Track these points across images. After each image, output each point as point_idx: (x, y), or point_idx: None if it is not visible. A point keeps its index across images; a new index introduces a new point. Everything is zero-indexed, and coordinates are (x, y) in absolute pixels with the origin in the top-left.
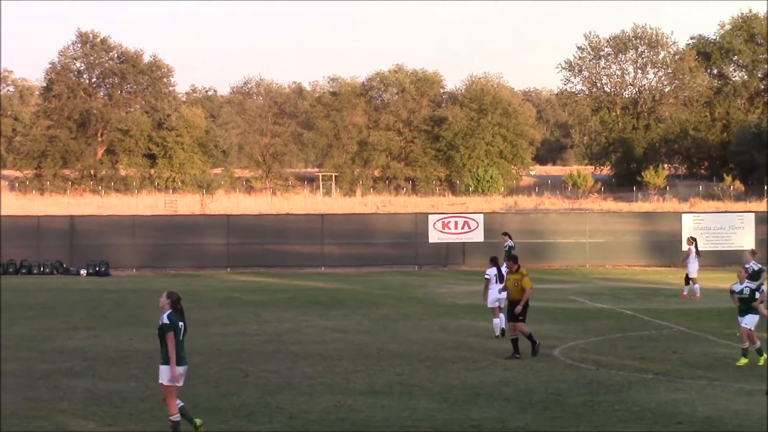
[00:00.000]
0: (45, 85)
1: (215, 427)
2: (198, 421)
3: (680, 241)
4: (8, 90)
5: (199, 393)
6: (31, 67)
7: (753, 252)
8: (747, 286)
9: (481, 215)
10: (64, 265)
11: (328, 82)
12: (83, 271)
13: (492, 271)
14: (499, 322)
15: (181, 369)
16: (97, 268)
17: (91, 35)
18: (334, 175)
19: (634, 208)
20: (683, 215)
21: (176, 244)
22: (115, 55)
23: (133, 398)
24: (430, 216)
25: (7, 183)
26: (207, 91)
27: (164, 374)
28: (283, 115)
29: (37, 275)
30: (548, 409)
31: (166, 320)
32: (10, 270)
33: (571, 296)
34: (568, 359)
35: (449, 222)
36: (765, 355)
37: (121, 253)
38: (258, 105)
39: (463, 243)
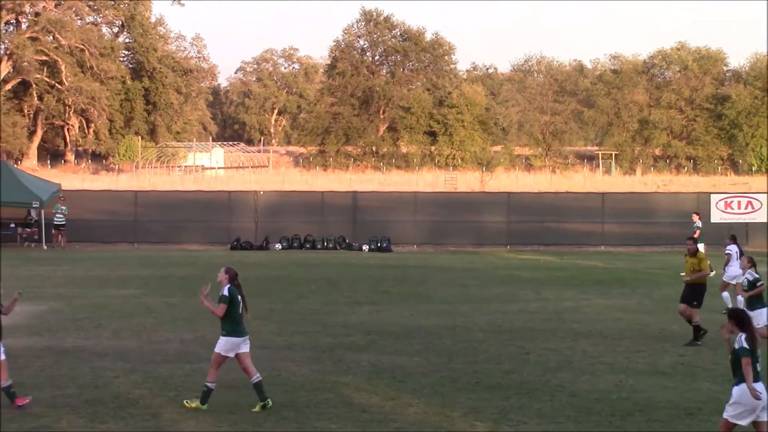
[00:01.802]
0: (329, 62)
1: (496, 404)
2: (269, 402)
3: None
4: (293, 68)
5: (481, 369)
6: (315, 46)
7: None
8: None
9: (765, 195)
10: (347, 240)
11: (610, 60)
12: (365, 247)
13: (733, 248)
14: (728, 296)
15: (239, 339)
16: (379, 244)
17: (374, 13)
18: (614, 153)
19: None
20: None
21: (456, 221)
22: (398, 33)
23: (415, 373)
24: (712, 195)
25: (291, 159)
26: (487, 69)
27: (222, 344)
28: (563, 92)
29: (321, 250)
30: None
31: (225, 293)
32: (295, 244)
33: None
34: None
35: (732, 202)
36: None
37: (402, 229)
38: (538, 83)
39: (746, 224)
